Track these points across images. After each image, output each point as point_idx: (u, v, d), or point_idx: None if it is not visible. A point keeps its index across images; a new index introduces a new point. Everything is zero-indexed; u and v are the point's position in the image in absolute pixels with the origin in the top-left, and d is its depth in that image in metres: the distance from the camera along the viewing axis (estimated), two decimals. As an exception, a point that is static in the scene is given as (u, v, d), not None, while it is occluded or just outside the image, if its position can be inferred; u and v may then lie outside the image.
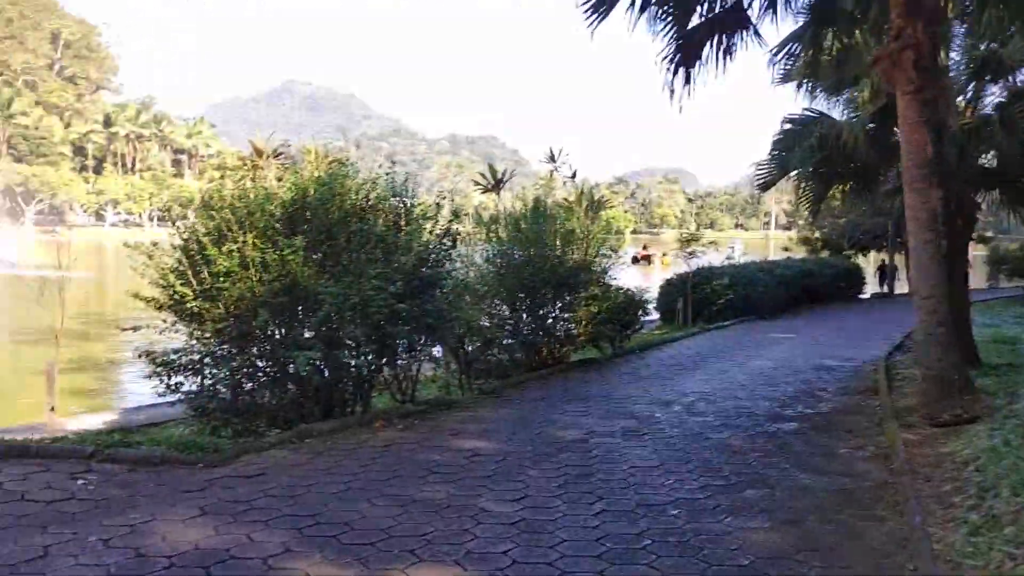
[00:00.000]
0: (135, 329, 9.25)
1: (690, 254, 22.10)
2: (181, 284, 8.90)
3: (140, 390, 21.46)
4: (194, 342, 9.41)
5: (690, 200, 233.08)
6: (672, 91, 10.26)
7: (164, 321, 9.34)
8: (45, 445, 7.39)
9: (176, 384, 9.41)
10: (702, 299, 21.54)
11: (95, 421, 15.15)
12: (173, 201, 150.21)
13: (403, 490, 6.48)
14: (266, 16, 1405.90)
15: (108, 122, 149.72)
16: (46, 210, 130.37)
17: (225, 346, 9.17)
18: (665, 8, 9.94)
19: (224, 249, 8.79)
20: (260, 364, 9.43)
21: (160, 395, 9.88)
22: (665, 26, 10.11)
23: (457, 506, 6.08)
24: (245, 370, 9.26)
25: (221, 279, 8.78)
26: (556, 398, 11.01)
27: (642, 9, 9.78)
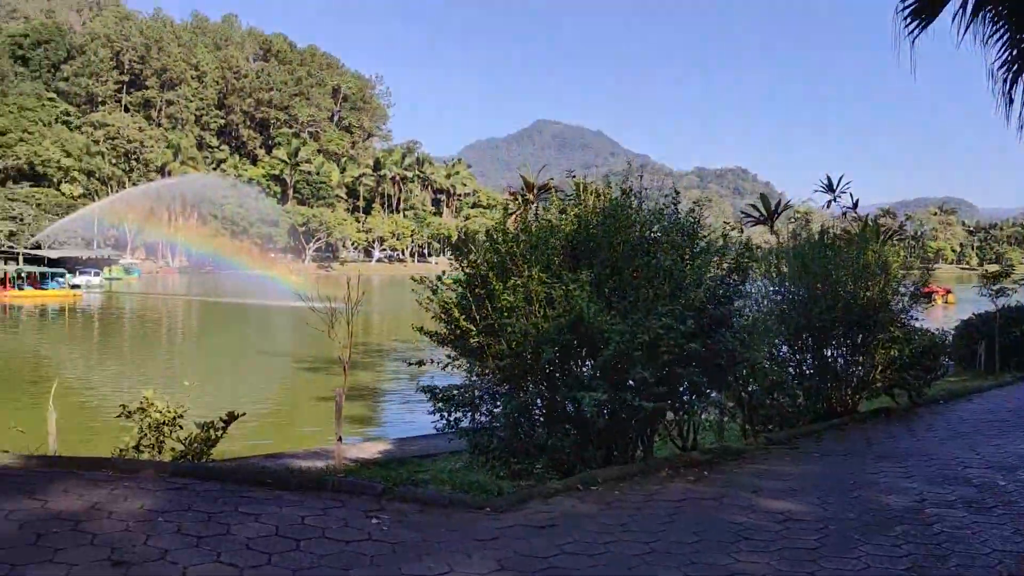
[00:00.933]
0: (420, 364, 9.22)
1: (997, 291, 19.44)
2: (465, 319, 8.75)
3: (410, 419, 22.37)
4: (475, 378, 9.29)
5: (971, 232, 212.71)
6: (1011, 100, 8.77)
7: (449, 357, 9.29)
8: (340, 479, 7.41)
9: (455, 420, 9.34)
10: (1013, 343, 18.84)
11: (373, 450, 15.73)
12: (432, 238, 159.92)
13: (716, 558, 5.71)
14: (517, 60, 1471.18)
15: (377, 166, 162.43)
16: (323, 247, 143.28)
17: (506, 384, 8.93)
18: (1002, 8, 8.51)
19: (509, 284, 8.55)
20: (540, 403, 9.11)
21: (439, 430, 9.80)
22: (1000, 29, 8.67)
23: (787, 585, 5.22)
24: (525, 409, 8.95)
25: (505, 314, 8.54)
26: (861, 453, 9.74)
27: (975, 11, 8.43)
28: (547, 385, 8.91)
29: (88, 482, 7.00)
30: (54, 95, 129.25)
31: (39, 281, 70.20)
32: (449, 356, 9.37)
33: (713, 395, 9.45)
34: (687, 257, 9.33)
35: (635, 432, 9.20)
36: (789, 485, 8.04)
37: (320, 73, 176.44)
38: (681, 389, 9.28)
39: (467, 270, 9.42)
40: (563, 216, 9.65)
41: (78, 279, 77.77)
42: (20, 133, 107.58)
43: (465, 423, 9.38)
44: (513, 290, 8.47)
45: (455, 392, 9.23)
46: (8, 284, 67.27)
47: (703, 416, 10.22)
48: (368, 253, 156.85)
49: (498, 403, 9.17)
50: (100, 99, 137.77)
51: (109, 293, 75.38)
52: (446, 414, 9.27)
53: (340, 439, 10.52)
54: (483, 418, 9.40)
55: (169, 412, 10.58)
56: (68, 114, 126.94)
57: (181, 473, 7.55)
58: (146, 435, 10.60)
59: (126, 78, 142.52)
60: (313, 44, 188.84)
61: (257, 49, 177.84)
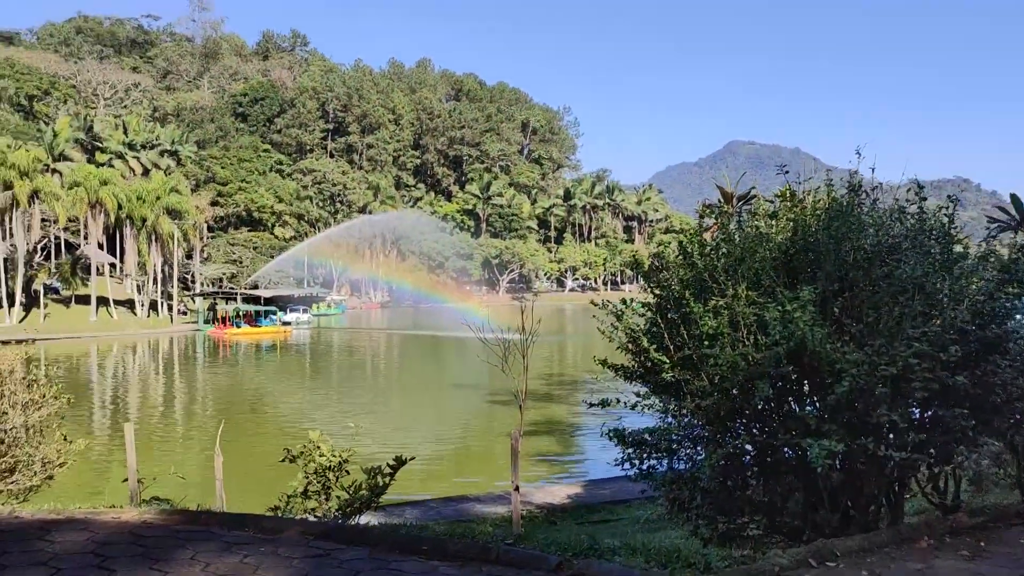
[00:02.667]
0: (604, 404, 7.78)
1: None
2: (656, 349, 7.25)
3: (605, 457, 20.91)
4: (670, 419, 7.75)
5: None
6: None
7: (638, 395, 7.82)
8: (507, 548, 6.08)
9: (649, 468, 7.85)
10: None
11: (562, 494, 14.43)
12: (625, 265, 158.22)
13: None
14: (706, 82, 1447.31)
15: (568, 196, 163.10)
16: (516, 278, 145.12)
17: (709, 427, 7.32)
18: None
19: (709, 306, 6.97)
20: (753, 450, 7.41)
21: (632, 478, 8.31)
22: None
23: None
24: (734, 458, 7.29)
25: (705, 343, 6.96)
26: None
27: None
28: (762, 429, 7.22)
29: (223, 545, 6.09)
30: (268, 146, 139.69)
31: (254, 319, 74.99)
32: (638, 394, 7.90)
33: (986, 442, 7.35)
34: (940, 267, 7.34)
35: (879, 489, 7.28)
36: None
37: (509, 108, 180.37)
38: (940, 434, 7.28)
39: (657, 291, 7.93)
40: (773, 223, 7.96)
41: (289, 316, 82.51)
42: (239, 183, 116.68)
43: (661, 470, 7.89)
44: (715, 313, 6.89)
45: (647, 436, 7.74)
46: (227, 323, 72.32)
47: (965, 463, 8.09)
48: (561, 283, 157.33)
49: (700, 449, 7.59)
50: (308, 147, 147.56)
51: (316, 329, 79.32)
52: (637, 461, 7.84)
53: (517, 488, 9.27)
54: (682, 465, 7.85)
55: (335, 456, 9.75)
56: (281, 163, 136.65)
57: (327, 534, 6.51)
58: (311, 481, 9.84)
59: (331, 126, 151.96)
60: (502, 81, 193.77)
61: (449, 89, 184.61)
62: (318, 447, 9.70)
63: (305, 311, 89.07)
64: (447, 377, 42.65)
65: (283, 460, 9.75)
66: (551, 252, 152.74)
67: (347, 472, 9.91)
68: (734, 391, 6.88)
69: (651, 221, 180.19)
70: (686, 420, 7.63)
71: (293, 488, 10.04)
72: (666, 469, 7.87)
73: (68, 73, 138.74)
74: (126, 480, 8.88)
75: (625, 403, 7.74)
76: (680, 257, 7.65)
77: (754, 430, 7.16)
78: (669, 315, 7.32)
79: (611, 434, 7.92)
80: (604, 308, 7.93)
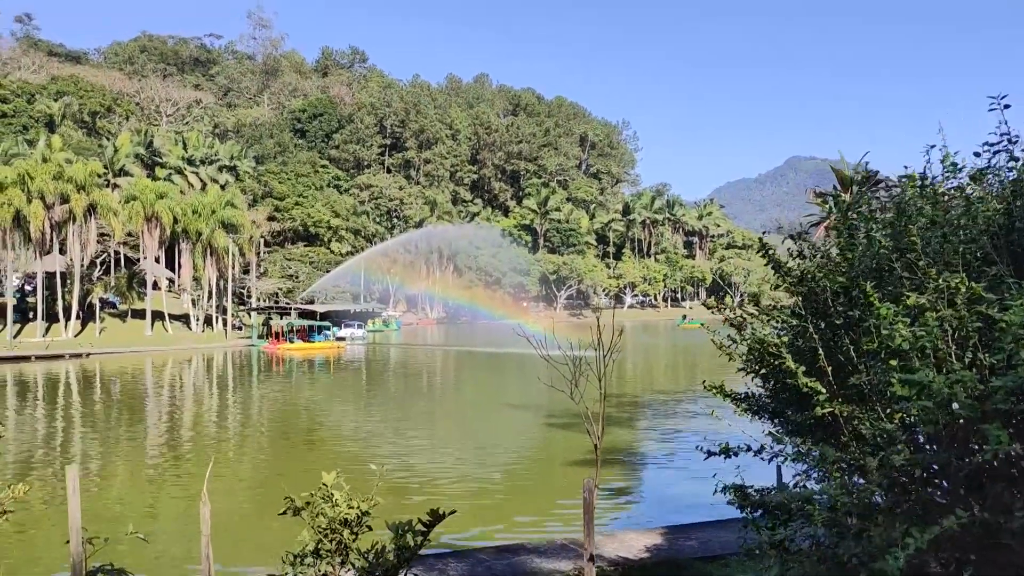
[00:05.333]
0: (727, 454, 5.33)
1: None
2: (806, 373, 4.78)
3: (679, 493, 18.25)
4: (812, 471, 5.29)
5: None
6: None
7: (773, 435, 5.37)
8: None
9: (786, 539, 5.45)
10: None
11: (638, 544, 11.89)
12: (685, 281, 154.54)
13: None
14: (766, 98, 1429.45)
15: (626, 211, 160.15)
16: (574, 294, 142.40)
17: (899, 494, 4.82)
18: None
19: (902, 303, 4.49)
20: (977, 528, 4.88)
21: (751, 549, 5.90)
22: None
23: None
24: (943, 541, 4.76)
25: (893, 362, 4.48)
26: None
27: None
28: (985, 500, 4.69)
29: None
30: (326, 162, 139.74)
31: (307, 334, 73.74)
32: (772, 434, 5.45)
33: None
34: None
35: None
36: None
37: (567, 123, 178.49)
38: None
39: (800, 287, 5.46)
40: (976, 190, 5.44)
41: (343, 332, 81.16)
42: (296, 198, 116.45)
43: (803, 543, 5.51)
44: (915, 314, 4.41)
45: (787, 499, 5.30)
46: (281, 338, 71.17)
47: None
48: (619, 299, 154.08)
49: (878, 523, 5.10)
50: (365, 162, 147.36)
51: (371, 345, 77.78)
52: (765, 529, 5.46)
53: (592, 559, 6.83)
54: (826, 538, 5.40)
55: (352, 508, 7.43)
56: (338, 178, 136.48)
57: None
58: (323, 539, 7.53)
59: (388, 141, 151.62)
60: (560, 95, 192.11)
61: (507, 104, 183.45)
62: (331, 495, 7.39)
63: (360, 327, 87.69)
64: (502, 396, 40.31)
65: (283, 512, 7.46)
66: (610, 268, 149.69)
67: (368, 528, 7.59)
68: (944, 439, 4.40)
69: (712, 236, 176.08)
70: (853, 481, 5.14)
71: (303, 545, 7.76)
72: (812, 545, 5.45)
73: (132, 91, 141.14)
74: (68, 542, 6.70)
75: (753, 450, 5.32)
76: (845, 232, 5.18)
77: (980, 503, 4.63)
78: (829, 319, 4.86)
79: (729, 492, 5.50)
80: (723, 309, 5.48)
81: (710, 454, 5.54)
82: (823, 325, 4.91)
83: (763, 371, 5.34)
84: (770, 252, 5.39)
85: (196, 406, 35.56)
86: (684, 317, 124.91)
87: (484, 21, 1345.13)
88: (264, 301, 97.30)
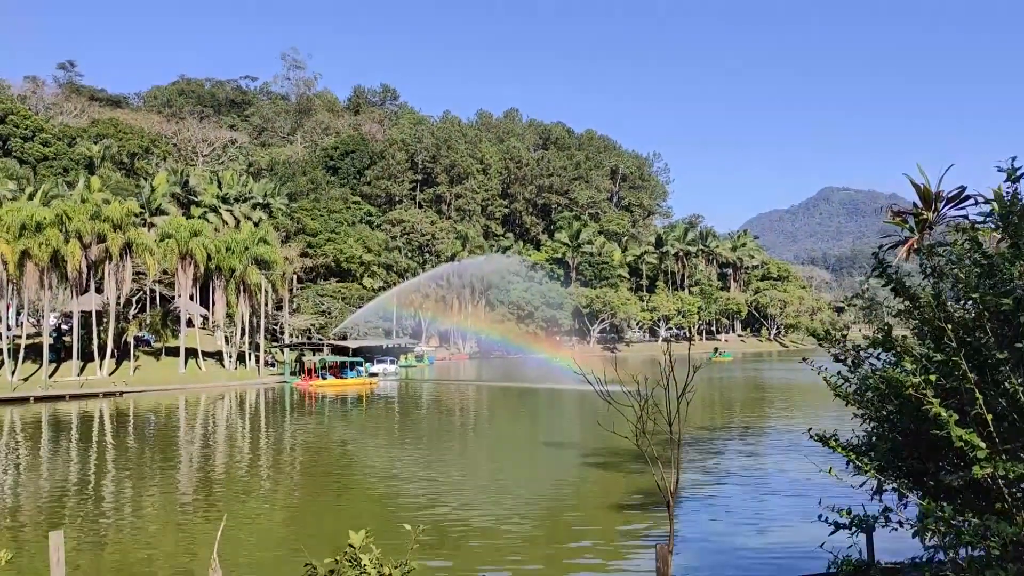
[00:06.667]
0: (860, 528, 4.41)
1: None
2: (959, 423, 3.88)
3: (742, 545, 17.06)
4: (962, 549, 4.35)
5: None
6: None
7: (899, 490, 4.46)
8: None
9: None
10: None
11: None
12: (720, 313, 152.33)
13: None
14: (799, 129, 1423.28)
15: (659, 243, 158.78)
16: (607, 328, 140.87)
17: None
18: None
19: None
20: None
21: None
22: None
23: None
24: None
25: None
26: None
27: None
28: None
29: None
30: (358, 198, 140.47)
31: (340, 371, 73.18)
32: (898, 488, 4.53)
33: None
34: None
35: None
36: None
37: (598, 156, 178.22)
38: None
39: (939, 311, 4.55)
40: None
41: (376, 367, 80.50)
42: (328, 234, 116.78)
43: None
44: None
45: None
46: (314, 374, 70.67)
47: None
48: (653, 332, 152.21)
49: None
50: (397, 198, 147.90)
51: (404, 381, 77.04)
52: None
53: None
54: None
55: (383, 572, 6.59)
56: (370, 214, 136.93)
57: None
58: (351, 608, 6.67)
59: (419, 177, 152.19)
60: (591, 128, 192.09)
61: (537, 138, 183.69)
62: (358, 559, 6.56)
63: (393, 362, 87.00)
64: (538, 433, 39.27)
65: (307, 579, 6.61)
66: (643, 300, 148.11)
67: (403, 595, 6.72)
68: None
69: (747, 268, 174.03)
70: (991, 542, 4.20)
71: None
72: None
73: (169, 132, 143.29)
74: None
75: (892, 523, 4.39)
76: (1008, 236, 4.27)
77: None
78: (986, 355, 3.95)
79: (847, 566, 4.57)
80: (833, 343, 4.60)
81: (838, 527, 4.60)
82: (987, 360, 3.97)
83: (892, 416, 4.40)
84: (888, 270, 4.50)
85: (228, 445, 34.95)
86: (716, 350, 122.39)
87: (514, 58, 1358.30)
88: (297, 337, 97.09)
